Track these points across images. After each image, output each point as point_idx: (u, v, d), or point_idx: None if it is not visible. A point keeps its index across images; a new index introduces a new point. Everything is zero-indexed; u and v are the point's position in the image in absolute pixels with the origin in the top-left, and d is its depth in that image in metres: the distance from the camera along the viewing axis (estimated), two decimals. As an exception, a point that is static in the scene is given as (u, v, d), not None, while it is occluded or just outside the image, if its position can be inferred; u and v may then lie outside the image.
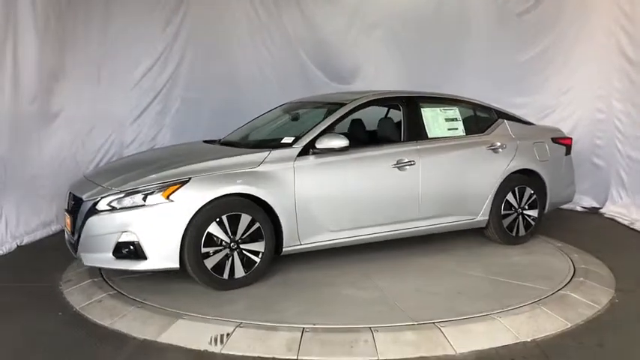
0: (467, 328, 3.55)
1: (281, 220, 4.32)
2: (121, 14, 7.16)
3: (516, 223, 5.34)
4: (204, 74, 7.63)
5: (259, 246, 4.27)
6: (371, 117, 5.51)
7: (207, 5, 7.58)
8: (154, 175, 4.19)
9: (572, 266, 4.71)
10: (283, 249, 4.42)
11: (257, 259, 4.27)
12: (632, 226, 6.23)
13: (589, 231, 5.79)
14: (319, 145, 4.48)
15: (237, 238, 4.17)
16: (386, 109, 5.60)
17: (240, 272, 4.21)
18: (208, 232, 4.07)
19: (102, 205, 4.07)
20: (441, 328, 3.51)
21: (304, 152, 4.48)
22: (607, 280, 4.51)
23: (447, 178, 4.99)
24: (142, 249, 3.99)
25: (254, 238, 4.23)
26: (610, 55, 6.83)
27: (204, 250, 4.07)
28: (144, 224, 3.99)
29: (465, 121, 5.29)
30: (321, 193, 4.48)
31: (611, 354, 3.40)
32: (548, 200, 5.52)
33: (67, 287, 4.41)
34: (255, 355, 3.32)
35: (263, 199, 4.24)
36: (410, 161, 4.79)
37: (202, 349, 3.39)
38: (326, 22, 7.69)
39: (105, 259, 4.08)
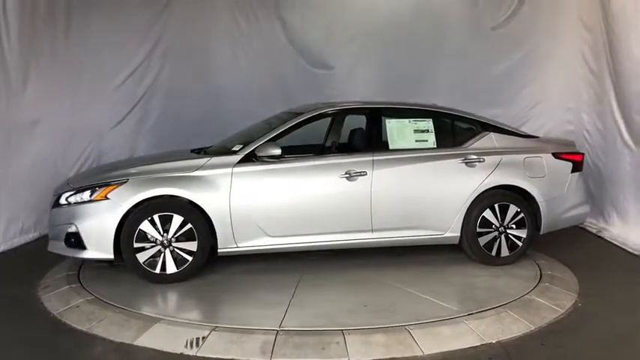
0: (435, 331, 3.69)
1: (214, 223, 4.59)
2: (100, 23, 7.23)
3: (497, 243, 5.04)
4: (183, 83, 7.69)
5: (193, 245, 4.54)
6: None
7: (187, 15, 7.64)
8: (101, 176, 4.80)
9: (539, 273, 4.87)
10: (218, 250, 4.67)
11: (190, 258, 4.55)
12: (599, 234, 6.43)
13: (558, 238, 5.94)
14: (258, 153, 4.70)
15: (170, 236, 4.50)
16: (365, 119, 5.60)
17: (171, 268, 4.55)
18: (140, 229, 4.45)
19: (62, 199, 4.68)
20: (410, 331, 3.65)
21: (247, 160, 4.70)
22: (571, 286, 4.68)
23: (404, 191, 4.89)
24: (81, 240, 4.46)
25: (189, 237, 4.53)
26: (577, 67, 7.11)
27: (137, 245, 4.47)
28: (84, 218, 4.50)
29: (440, 133, 5.16)
30: (260, 199, 4.69)
31: (569, 354, 3.57)
32: (544, 220, 5.14)
33: (45, 293, 4.47)
34: (230, 357, 3.42)
35: (194, 201, 4.54)
36: (361, 172, 4.79)
37: (178, 352, 3.48)
38: (305, 34, 7.79)
39: (60, 246, 4.63)
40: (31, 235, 6.17)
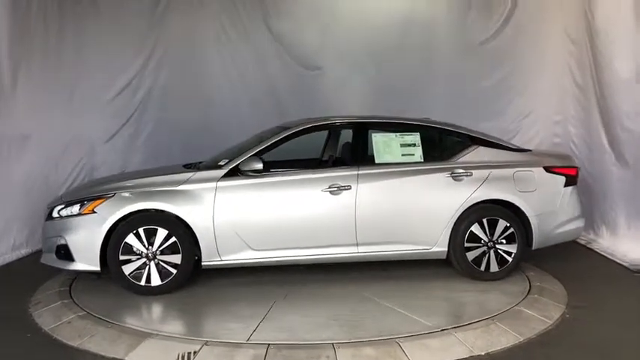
0: (424, 343, 3.73)
1: (198, 236, 4.68)
2: (94, 36, 7.32)
3: (486, 258, 5.01)
4: (176, 97, 7.74)
5: (177, 258, 4.65)
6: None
7: (180, 29, 7.71)
8: (91, 189, 4.97)
9: (528, 285, 4.93)
10: (202, 263, 4.76)
11: (174, 271, 4.66)
12: (588, 246, 6.48)
13: (548, 250, 5.97)
14: (242, 167, 4.79)
15: (155, 249, 4.61)
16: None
17: (156, 281, 4.65)
18: (125, 242, 4.58)
19: (54, 212, 4.83)
20: (400, 344, 3.68)
21: (232, 174, 4.79)
22: (560, 297, 4.72)
23: (389, 205, 4.90)
24: (69, 252, 4.60)
25: (174, 251, 4.64)
26: (563, 81, 7.24)
27: (123, 257, 4.59)
28: (72, 231, 4.64)
29: (428, 147, 5.17)
30: (243, 213, 4.75)
31: (557, 365, 3.63)
32: (535, 236, 5.09)
33: (36, 309, 4.47)
34: (221, 371, 3.45)
35: (178, 215, 4.64)
36: (346, 186, 4.82)
37: (170, 366, 3.50)
38: (295, 46, 7.86)
39: (51, 258, 4.76)
40: (23, 251, 6.16)
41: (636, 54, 5.70)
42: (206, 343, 3.69)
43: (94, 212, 4.61)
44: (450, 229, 4.96)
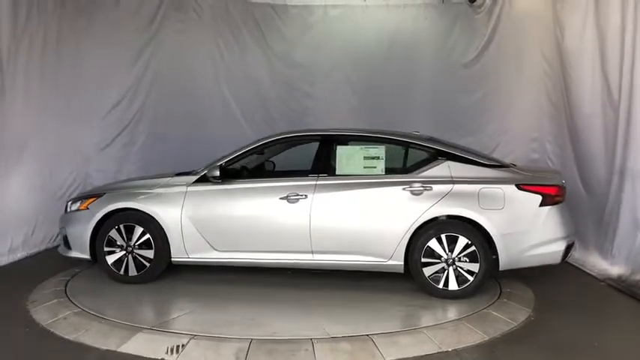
0: (396, 340, 4.03)
1: (167, 234, 5.20)
2: (91, 52, 7.60)
3: (445, 275, 4.90)
4: (169, 109, 8.05)
5: (150, 253, 5.23)
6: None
7: (174, 44, 8.05)
8: (90, 189, 5.93)
9: (499, 290, 5.21)
10: (172, 259, 5.27)
11: (147, 264, 5.24)
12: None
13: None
14: (208, 174, 5.20)
15: (132, 244, 5.23)
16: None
17: (133, 272, 5.26)
18: (109, 236, 5.25)
19: (68, 207, 5.63)
20: (373, 340, 3.98)
21: (203, 180, 5.23)
22: (528, 302, 5.00)
23: (344, 216, 4.97)
24: (68, 242, 5.43)
25: (149, 246, 5.23)
26: (541, 99, 7.59)
27: (108, 249, 5.27)
28: (71, 224, 5.48)
29: (392, 160, 5.20)
30: (207, 216, 5.18)
31: (517, 360, 3.94)
32: (501, 256, 4.84)
33: (33, 307, 4.72)
34: (207, 363, 3.73)
35: (150, 214, 5.20)
36: (302, 195, 5.00)
37: (159, 357, 3.78)
38: (285, 64, 8.22)
39: (62, 246, 5.60)
40: (19, 255, 6.36)
41: (600, 74, 6.01)
42: (193, 337, 3.96)
43: (88, 209, 5.35)
44: (406, 243, 4.90)
